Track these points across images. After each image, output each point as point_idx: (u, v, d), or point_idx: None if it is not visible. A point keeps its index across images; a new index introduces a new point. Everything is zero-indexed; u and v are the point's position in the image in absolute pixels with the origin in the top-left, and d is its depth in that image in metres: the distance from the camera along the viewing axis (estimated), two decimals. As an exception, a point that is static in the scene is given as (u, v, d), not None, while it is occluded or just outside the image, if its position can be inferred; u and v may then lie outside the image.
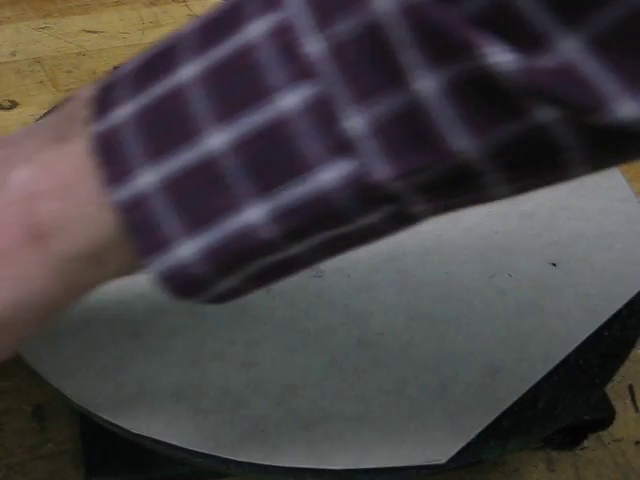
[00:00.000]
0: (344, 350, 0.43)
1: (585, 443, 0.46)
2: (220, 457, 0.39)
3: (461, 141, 0.24)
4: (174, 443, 0.39)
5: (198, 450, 0.39)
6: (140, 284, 0.46)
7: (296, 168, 0.26)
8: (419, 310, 0.45)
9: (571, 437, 0.46)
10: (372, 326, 0.44)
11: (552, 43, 0.23)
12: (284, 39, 0.25)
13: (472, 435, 0.40)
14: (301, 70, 0.25)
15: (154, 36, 0.71)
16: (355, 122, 0.25)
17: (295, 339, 0.44)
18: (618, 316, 0.46)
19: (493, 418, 0.41)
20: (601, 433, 0.47)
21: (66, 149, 0.28)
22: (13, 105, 0.63)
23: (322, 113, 0.25)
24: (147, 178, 0.27)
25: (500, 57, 0.23)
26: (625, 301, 0.46)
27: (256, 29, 0.26)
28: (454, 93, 0.24)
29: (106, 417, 0.40)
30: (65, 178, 0.28)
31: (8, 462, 0.45)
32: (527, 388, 0.42)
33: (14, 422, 0.46)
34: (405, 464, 0.39)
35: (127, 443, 0.40)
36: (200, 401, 0.41)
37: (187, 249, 0.27)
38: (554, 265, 0.48)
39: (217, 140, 0.26)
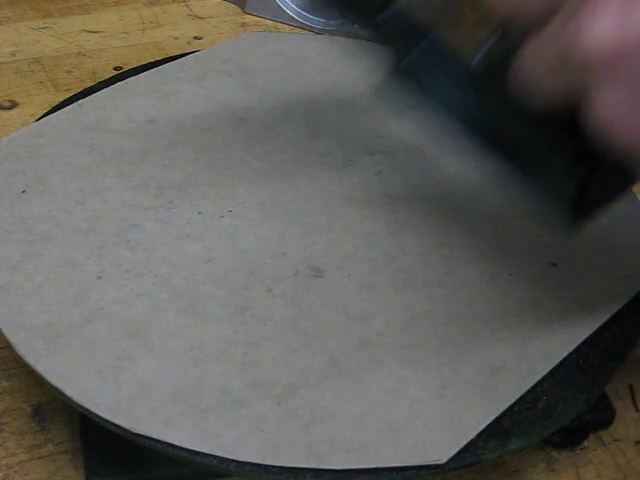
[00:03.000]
0: (344, 350, 0.43)
1: (585, 443, 0.46)
2: (220, 457, 0.39)
3: None
4: (174, 443, 0.39)
5: (198, 450, 0.39)
6: (140, 284, 0.46)
7: None
8: (419, 310, 0.45)
9: (571, 437, 0.46)
10: (372, 326, 0.44)
11: None
12: None
13: (472, 435, 0.40)
14: None
15: (154, 36, 0.71)
16: None
17: (295, 339, 0.44)
18: (618, 316, 0.46)
19: (493, 418, 0.41)
20: (601, 433, 0.47)
21: None
22: (13, 105, 0.63)
23: None
24: None
25: None
26: (625, 301, 0.46)
27: None
28: None
29: (106, 417, 0.40)
30: None
31: (8, 462, 0.45)
32: (527, 388, 0.42)
33: (14, 422, 0.46)
34: (405, 464, 0.39)
35: (127, 443, 0.40)
36: (200, 401, 0.41)
37: None
38: (554, 265, 0.48)
39: None
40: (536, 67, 0.33)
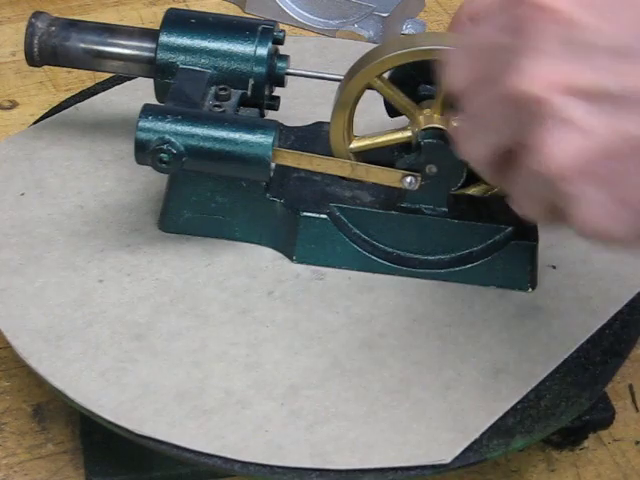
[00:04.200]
0: (346, 351, 0.43)
1: (585, 443, 0.47)
2: (225, 457, 0.39)
3: None
4: (178, 444, 0.39)
5: (202, 451, 0.39)
6: (141, 287, 0.46)
7: None
8: (420, 311, 0.45)
9: (571, 437, 0.46)
10: (374, 327, 0.44)
11: None
12: None
13: (476, 435, 0.40)
14: None
15: (152, 37, 0.70)
16: None
17: (297, 340, 0.44)
18: (619, 314, 0.46)
19: (496, 418, 0.41)
20: (601, 433, 0.47)
21: None
22: (13, 105, 0.63)
23: None
24: None
25: None
26: (625, 302, 0.46)
27: None
28: None
29: (110, 419, 0.40)
30: None
31: (8, 462, 0.45)
32: (529, 389, 0.42)
33: (14, 422, 0.46)
34: (409, 464, 0.39)
35: (127, 443, 0.40)
36: (203, 402, 0.41)
37: None
38: (554, 267, 0.48)
39: None
40: (522, 202, 0.35)
